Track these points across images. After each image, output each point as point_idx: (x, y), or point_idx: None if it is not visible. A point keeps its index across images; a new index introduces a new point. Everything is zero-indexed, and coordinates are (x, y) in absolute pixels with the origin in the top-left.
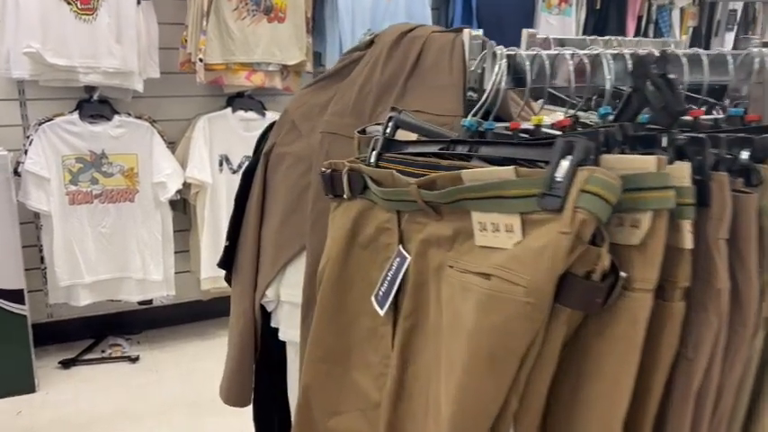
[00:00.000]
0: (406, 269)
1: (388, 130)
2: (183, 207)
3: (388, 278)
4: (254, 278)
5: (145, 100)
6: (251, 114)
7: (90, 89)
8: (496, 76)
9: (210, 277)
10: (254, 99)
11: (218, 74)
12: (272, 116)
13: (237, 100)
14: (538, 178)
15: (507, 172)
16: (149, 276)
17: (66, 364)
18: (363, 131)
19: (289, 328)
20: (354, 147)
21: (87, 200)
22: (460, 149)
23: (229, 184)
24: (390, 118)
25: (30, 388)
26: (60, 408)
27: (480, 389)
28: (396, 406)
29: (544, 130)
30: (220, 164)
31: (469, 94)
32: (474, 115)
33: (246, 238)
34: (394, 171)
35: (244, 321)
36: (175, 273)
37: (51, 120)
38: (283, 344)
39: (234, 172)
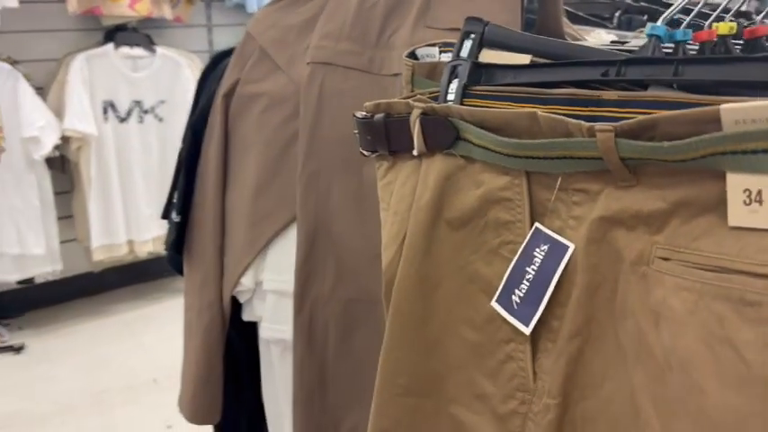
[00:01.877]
0: (567, 263)
1: (464, 52)
2: (61, 165)
3: (530, 277)
4: (220, 262)
5: (2, 36)
6: (138, 51)
7: None
8: None
9: (103, 245)
10: (139, 32)
11: (93, 2)
12: (163, 52)
13: (120, 34)
14: None
15: None
16: (28, 250)
17: None
18: (414, 55)
19: (275, 323)
20: (404, 79)
21: None
22: (634, 73)
23: (118, 136)
24: (468, 33)
25: None
26: None
27: None
28: None
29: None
30: (105, 111)
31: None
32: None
33: (204, 211)
34: (539, 111)
35: (210, 317)
36: (60, 243)
37: None
38: (253, 341)
39: (122, 120)
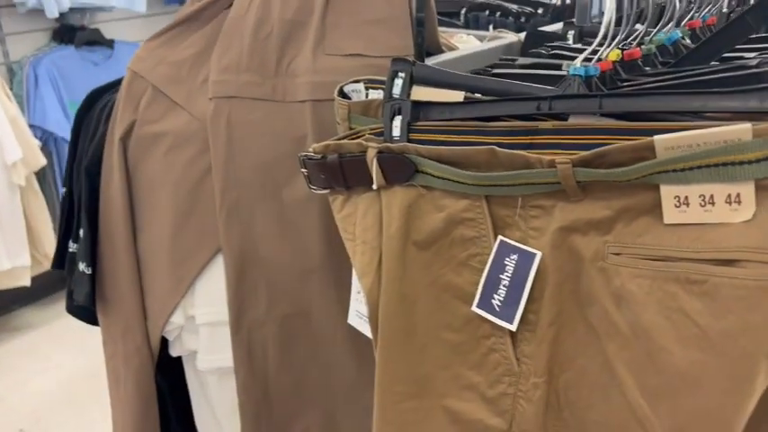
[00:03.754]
0: (537, 267)
1: (396, 91)
2: None
3: (505, 282)
4: (141, 306)
5: None
6: None
7: None
8: None
9: None
10: None
11: None
12: None
13: None
14: None
15: (739, 131)
16: None
17: None
18: (343, 94)
19: (212, 353)
20: (340, 116)
21: None
22: (562, 107)
23: None
24: (396, 72)
25: None
26: None
27: (726, 405)
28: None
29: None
30: None
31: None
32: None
33: (116, 258)
34: (495, 147)
35: (140, 361)
36: None
37: None
38: (175, 373)
39: None
